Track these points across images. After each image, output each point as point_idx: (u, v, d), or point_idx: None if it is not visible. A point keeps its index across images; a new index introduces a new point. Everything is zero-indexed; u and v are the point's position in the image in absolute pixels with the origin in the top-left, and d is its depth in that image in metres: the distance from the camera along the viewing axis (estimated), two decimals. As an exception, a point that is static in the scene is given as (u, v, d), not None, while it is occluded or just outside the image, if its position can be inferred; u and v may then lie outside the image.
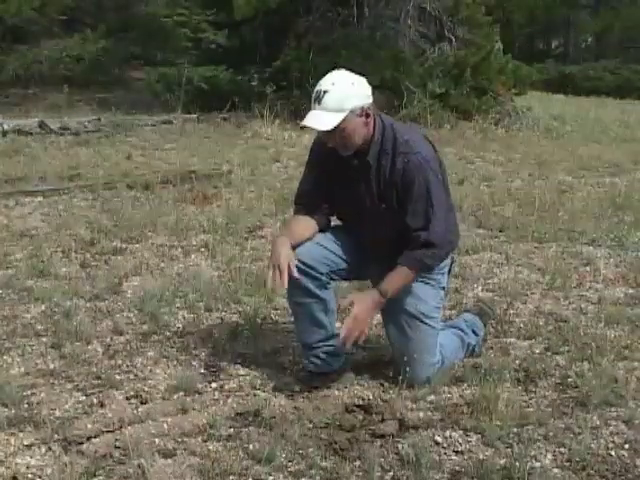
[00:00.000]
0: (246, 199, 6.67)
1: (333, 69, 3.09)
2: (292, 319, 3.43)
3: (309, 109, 3.01)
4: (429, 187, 3.04)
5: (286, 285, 3.04)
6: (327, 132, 3.00)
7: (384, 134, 3.08)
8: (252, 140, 10.55)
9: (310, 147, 3.33)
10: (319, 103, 2.97)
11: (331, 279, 3.22)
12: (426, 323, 3.20)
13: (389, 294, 3.05)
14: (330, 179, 3.20)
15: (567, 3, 32.66)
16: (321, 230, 3.24)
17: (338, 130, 2.98)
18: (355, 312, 3.03)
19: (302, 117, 3.03)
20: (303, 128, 3.17)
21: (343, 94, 2.97)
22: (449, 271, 3.38)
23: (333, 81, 2.99)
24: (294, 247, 3.10)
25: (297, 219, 3.27)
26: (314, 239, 3.19)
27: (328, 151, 3.11)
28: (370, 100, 3.05)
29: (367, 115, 3.03)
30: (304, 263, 3.08)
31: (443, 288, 3.34)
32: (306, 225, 3.21)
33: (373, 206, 3.15)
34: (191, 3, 15.35)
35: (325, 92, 2.96)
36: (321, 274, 3.14)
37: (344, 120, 2.96)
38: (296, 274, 3.03)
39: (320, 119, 2.97)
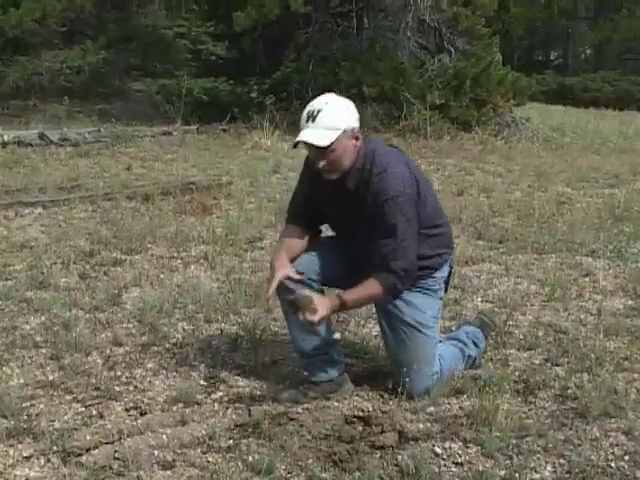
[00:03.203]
0: (246, 210, 6.68)
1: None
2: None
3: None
4: (397, 220, 2.98)
5: (271, 292, 3.07)
6: (319, 151, 2.98)
7: (364, 162, 3.05)
8: (252, 151, 10.57)
9: (304, 161, 3.32)
10: (313, 121, 2.96)
11: (323, 286, 3.24)
12: (424, 333, 3.21)
13: (348, 304, 3.06)
14: (318, 198, 3.21)
15: (566, 15, 32.80)
16: (312, 241, 3.26)
17: (330, 149, 2.96)
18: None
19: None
20: (296, 146, 3.12)
21: (337, 113, 2.98)
22: (447, 282, 3.39)
23: (326, 101, 3.01)
24: (290, 261, 3.13)
25: (290, 233, 3.27)
26: (307, 250, 3.22)
27: (317, 171, 3.10)
28: (358, 125, 3.05)
29: (357, 138, 3.04)
30: (297, 271, 3.11)
31: (441, 299, 3.35)
32: (299, 239, 3.23)
33: (352, 228, 3.17)
34: (191, 15, 15.45)
35: (319, 110, 2.96)
36: (313, 281, 3.15)
37: (337, 139, 2.95)
38: (297, 276, 3.07)
39: (315, 135, 2.96)
